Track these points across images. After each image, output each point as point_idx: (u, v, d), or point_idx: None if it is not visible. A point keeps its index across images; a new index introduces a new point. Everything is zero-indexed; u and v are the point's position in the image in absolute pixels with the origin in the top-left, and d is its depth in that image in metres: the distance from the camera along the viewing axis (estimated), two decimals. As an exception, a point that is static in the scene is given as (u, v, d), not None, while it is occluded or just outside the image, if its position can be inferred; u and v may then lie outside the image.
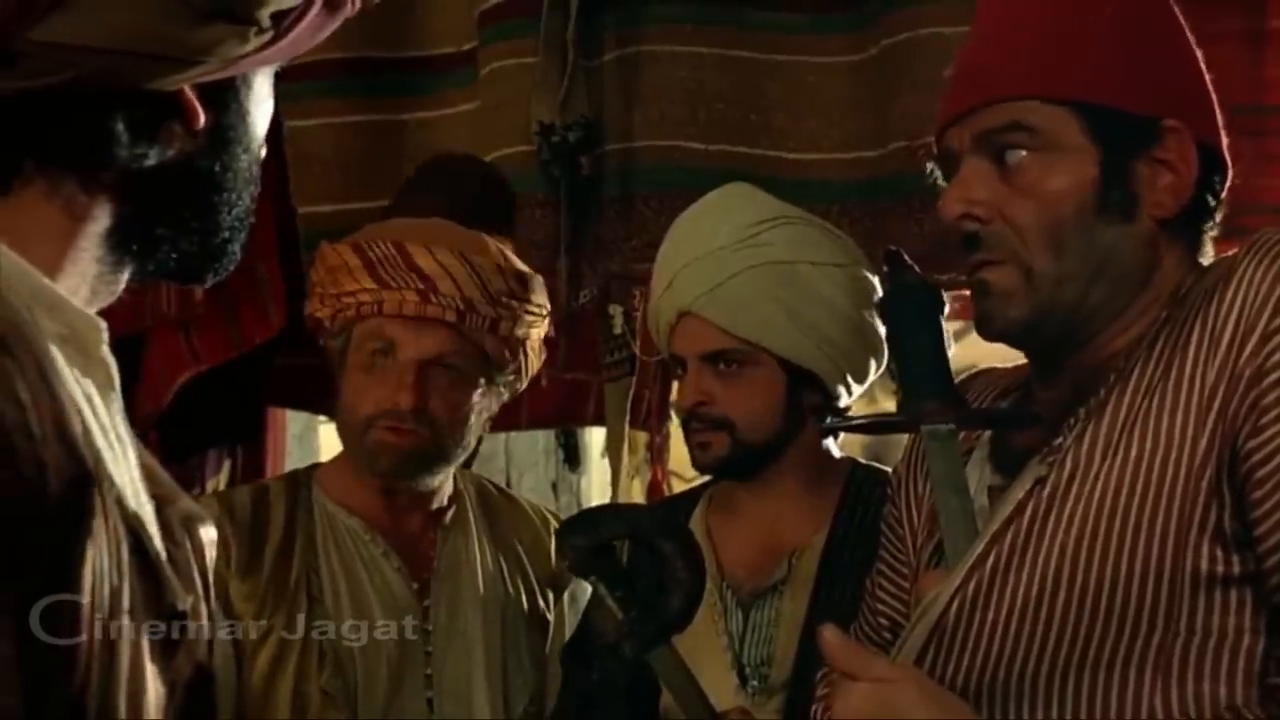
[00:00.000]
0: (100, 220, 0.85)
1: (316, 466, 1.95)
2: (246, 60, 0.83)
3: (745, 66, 2.32)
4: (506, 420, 2.84)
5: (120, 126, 0.82)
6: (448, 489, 1.90)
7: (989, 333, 1.24)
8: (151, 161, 0.84)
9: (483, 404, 1.82)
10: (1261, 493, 1.05)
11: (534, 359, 1.88)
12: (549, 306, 1.88)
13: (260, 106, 0.92)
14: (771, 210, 1.79)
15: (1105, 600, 1.09)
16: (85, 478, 0.71)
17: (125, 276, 0.90)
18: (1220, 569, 1.07)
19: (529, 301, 1.82)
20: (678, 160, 2.30)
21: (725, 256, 1.74)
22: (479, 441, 1.92)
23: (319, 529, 1.81)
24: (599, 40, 2.35)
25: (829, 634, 1.11)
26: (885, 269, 1.36)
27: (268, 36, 0.83)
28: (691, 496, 1.94)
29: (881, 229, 2.20)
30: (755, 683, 1.72)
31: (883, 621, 1.39)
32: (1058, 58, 1.20)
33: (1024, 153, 1.19)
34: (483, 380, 1.81)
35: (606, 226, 2.35)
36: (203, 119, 0.85)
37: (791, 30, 2.31)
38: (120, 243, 0.87)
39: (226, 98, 0.88)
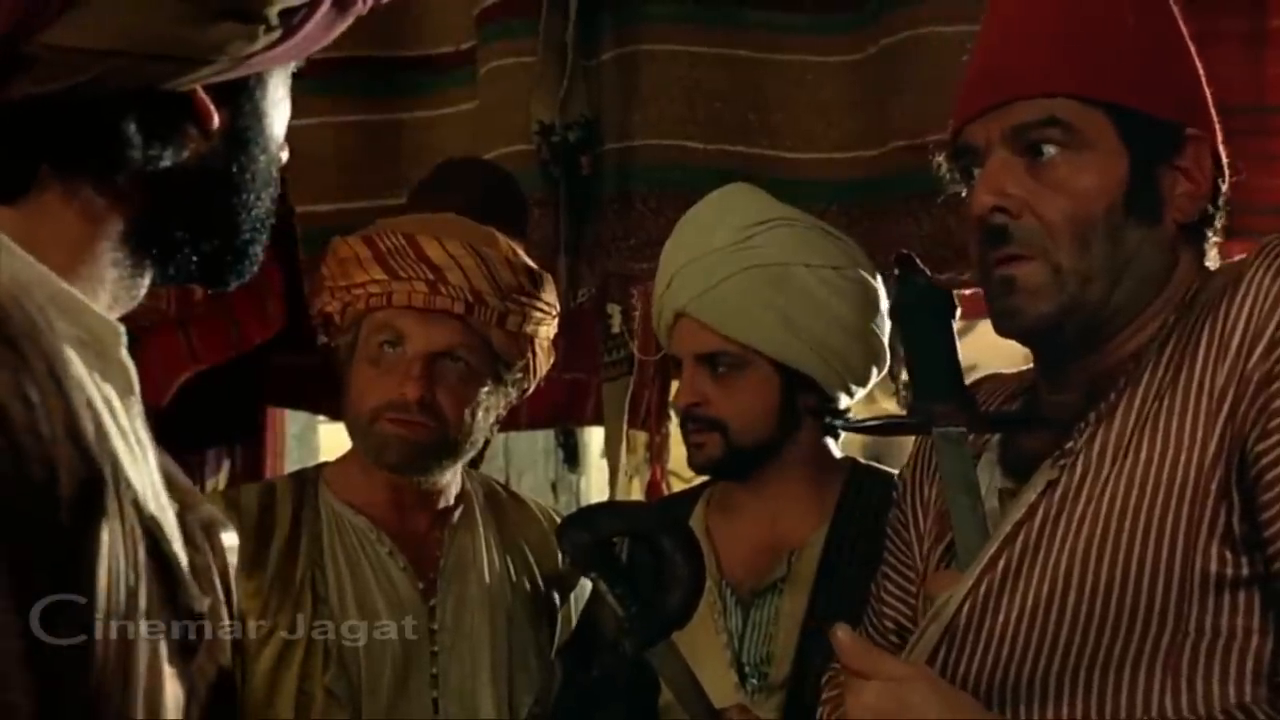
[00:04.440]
0: (117, 224, 0.85)
1: (324, 465, 1.94)
2: (257, 59, 0.84)
3: (744, 65, 2.32)
4: (506, 420, 2.84)
5: (134, 129, 0.82)
6: (455, 488, 1.90)
7: (1011, 328, 1.24)
8: (166, 163, 0.85)
9: (490, 401, 1.82)
10: (1270, 495, 1.06)
11: (543, 358, 1.87)
12: (558, 306, 1.88)
13: (277, 107, 0.92)
14: (769, 212, 1.78)
15: (1115, 601, 1.10)
16: (97, 478, 0.71)
17: (146, 281, 0.90)
18: (1229, 571, 1.07)
19: (538, 298, 1.81)
20: (676, 159, 2.30)
21: (720, 258, 1.74)
22: (486, 442, 1.92)
23: (325, 528, 1.80)
24: (598, 39, 2.35)
25: (841, 633, 1.12)
26: (896, 272, 1.36)
27: (277, 34, 0.83)
28: (691, 496, 1.94)
29: (879, 229, 2.20)
30: (755, 681, 1.72)
31: (889, 625, 1.40)
32: (1094, 59, 1.20)
33: (1056, 149, 1.19)
34: (490, 377, 1.81)
35: (605, 226, 2.35)
36: (217, 119, 0.85)
37: (790, 29, 2.31)
38: (138, 246, 0.87)
39: (241, 98, 0.88)
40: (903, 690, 1.09)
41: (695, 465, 1.80)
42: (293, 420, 3.34)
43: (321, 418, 3.34)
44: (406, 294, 1.74)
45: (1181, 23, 1.27)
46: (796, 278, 1.73)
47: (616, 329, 2.39)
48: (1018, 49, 1.24)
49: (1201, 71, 1.26)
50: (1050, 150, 1.20)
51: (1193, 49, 1.26)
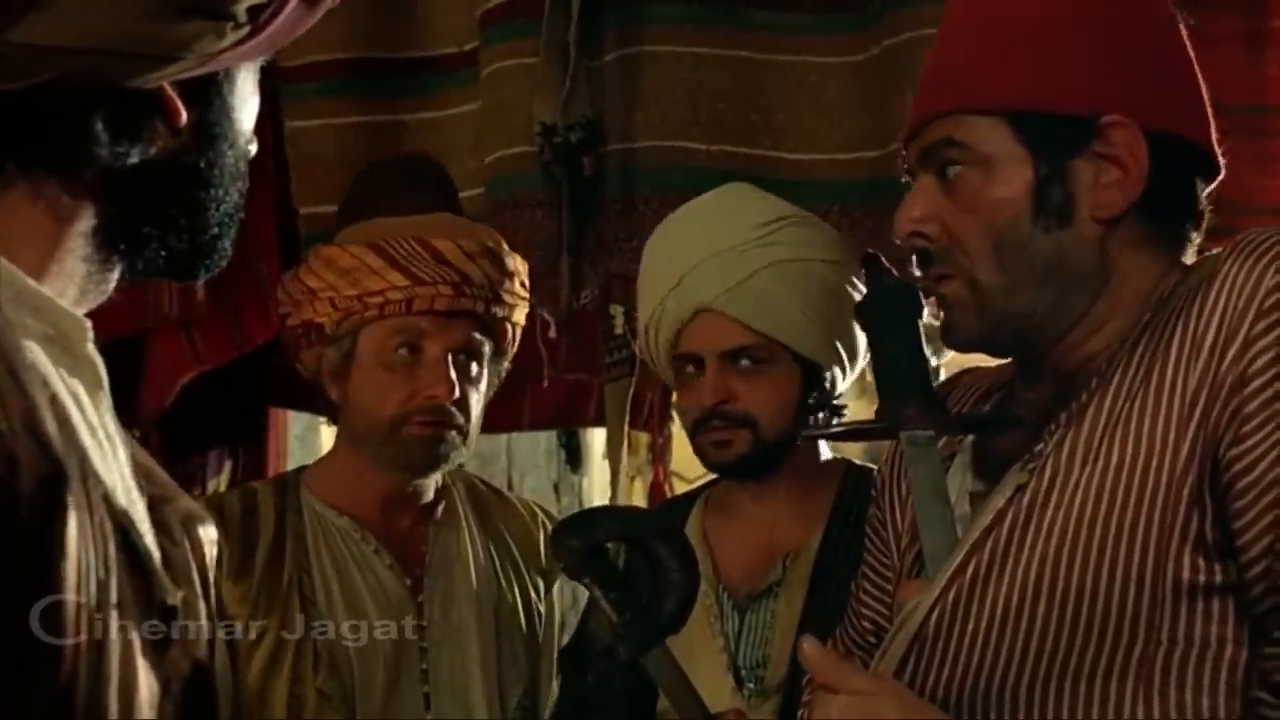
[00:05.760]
0: (85, 220, 0.85)
1: (304, 469, 1.95)
2: (225, 55, 0.83)
3: (746, 66, 2.31)
4: (508, 421, 2.84)
5: (101, 126, 0.82)
6: (436, 484, 1.91)
7: (952, 343, 1.26)
8: (134, 160, 0.84)
9: (488, 393, 1.86)
10: (1243, 502, 1.03)
11: (515, 343, 1.92)
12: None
13: (245, 102, 0.92)
14: (782, 209, 1.80)
15: (1086, 609, 1.08)
16: (59, 474, 0.71)
17: (115, 276, 0.90)
18: (1202, 578, 1.05)
19: (525, 286, 1.87)
20: (679, 161, 2.30)
21: (744, 253, 1.74)
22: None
23: (309, 530, 1.81)
24: (600, 40, 2.35)
25: (807, 645, 1.10)
26: (863, 272, 1.35)
27: (245, 31, 0.82)
28: (688, 499, 1.94)
29: (882, 230, 2.19)
30: (751, 684, 1.72)
31: (867, 625, 1.38)
32: (978, 68, 1.19)
33: (960, 167, 1.19)
34: (493, 366, 1.86)
35: (608, 227, 2.35)
36: (184, 116, 0.85)
37: (793, 30, 2.30)
38: (107, 242, 0.87)
39: (209, 94, 0.88)
40: (869, 704, 1.07)
41: (719, 464, 1.78)
42: (295, 421, 3.35)
43: (324, 419, 3.34)
44: (430, 298, 1.74)
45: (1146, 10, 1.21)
46: (816, 272, 1.75)
47: (619, 330, 2.39)
48: (929, 71, 1.25)
49: (1173, 51, 1.21)
50: (955, 169, 1.19)
51: (1152, 30, 1.20)
